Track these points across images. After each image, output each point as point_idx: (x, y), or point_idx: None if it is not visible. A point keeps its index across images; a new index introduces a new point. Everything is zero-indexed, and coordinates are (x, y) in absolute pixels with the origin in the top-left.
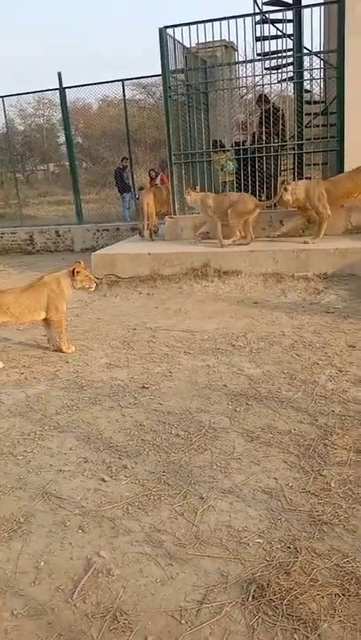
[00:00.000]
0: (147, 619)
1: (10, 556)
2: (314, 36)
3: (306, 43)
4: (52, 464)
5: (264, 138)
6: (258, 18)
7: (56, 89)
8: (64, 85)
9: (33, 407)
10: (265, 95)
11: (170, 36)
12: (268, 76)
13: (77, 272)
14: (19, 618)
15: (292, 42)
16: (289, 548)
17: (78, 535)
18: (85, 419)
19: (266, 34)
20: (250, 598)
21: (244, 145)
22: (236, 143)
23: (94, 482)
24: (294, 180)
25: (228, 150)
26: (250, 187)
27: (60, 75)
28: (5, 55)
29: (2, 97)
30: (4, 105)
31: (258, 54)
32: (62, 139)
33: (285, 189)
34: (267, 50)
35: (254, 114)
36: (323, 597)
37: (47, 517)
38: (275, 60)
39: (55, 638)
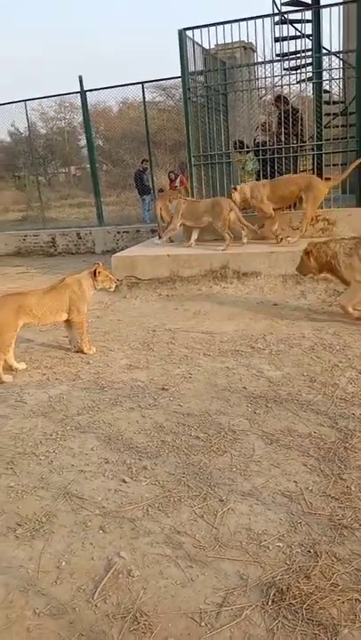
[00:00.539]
0: (167, 620)
1: (32, 555)
2: (333, 35)
3: (325, 43)
4: (73, 464)
5: (283, 139)
6: (277, 18)
7: (77, 92)
8: (85, 88)
9: (55, 407)
10: (284, 96)
11: (189, 37)
12: (287, 77)
13: (98, 272)
14: (41, 617)
15: (310, 42)
16: (309, 551)
17: (99, 536)
18: (106, 419)
19: (285, 34)
20: (270, 602)
21: (265, 146)
22: (256, 144)
23: (115, 482)
24: None
25: (250, 151)
26: None
27: (80, 78)
28: (5, 55)
29: (24, 100)
30: (26, 108)
31: (277, 55)
32: (83, 141)
33: (235, 189)
34: (286, 50)
35: (273, 114)
36: (343, 602)
37: (69, 517)
38: (294, 61)
39: (76, 638)
